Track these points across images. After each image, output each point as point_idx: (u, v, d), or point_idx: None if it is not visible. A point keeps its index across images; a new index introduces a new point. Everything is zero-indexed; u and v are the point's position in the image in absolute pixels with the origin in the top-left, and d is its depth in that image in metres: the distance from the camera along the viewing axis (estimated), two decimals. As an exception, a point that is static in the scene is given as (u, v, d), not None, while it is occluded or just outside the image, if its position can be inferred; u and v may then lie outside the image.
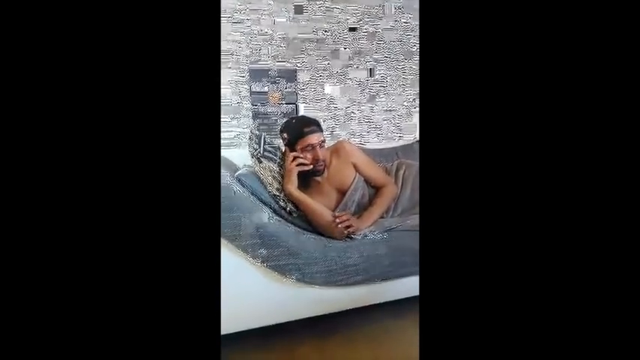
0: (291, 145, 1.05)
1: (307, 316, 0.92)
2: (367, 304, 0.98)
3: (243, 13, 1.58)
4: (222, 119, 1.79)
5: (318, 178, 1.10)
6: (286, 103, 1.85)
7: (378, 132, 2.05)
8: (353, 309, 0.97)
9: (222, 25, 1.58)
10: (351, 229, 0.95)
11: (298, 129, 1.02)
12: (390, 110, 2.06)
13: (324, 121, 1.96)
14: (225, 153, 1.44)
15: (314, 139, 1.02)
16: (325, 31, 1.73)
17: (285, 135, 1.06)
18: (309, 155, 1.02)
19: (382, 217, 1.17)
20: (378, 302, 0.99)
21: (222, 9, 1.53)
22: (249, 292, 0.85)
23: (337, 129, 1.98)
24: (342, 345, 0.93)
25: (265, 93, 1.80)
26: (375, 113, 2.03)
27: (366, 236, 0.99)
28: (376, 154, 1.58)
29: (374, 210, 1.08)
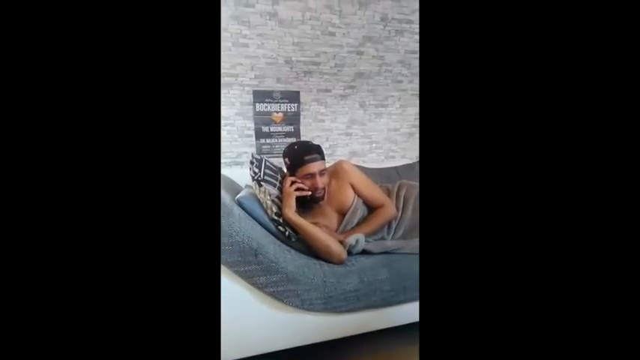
0: (291, 171, 1.06)
1: (307, 343, 0.90)
2: (369, 331, 0.96)
3: (248, 37, 1.63)
4: (225, 139, 1.82)
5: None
6: (289, 124, 1.88)
7: (379, 152, 2.07)
8: (354, 335, 0.95)
9: (228, 48, 1.63)
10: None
11: (299, 156, 1.03)
12: (392, 130, 2.08)
13: (326, 139, 1.98)
14: (227, 172, 1.45)
15: (314, 167, 1.02)
16: (327, 53, 1.78)
17: (287, 160, 1.07)
18: (308, 182, 1.03)
19: (383, 238, 1.16)
20: (379, 328, 0.97)
21: (228, 33, 1.59)
22: (248, 319, 0.84)
23: (339, 149, 1.99)
24: (342, 373, 0.91)
25: (269, 113, 1.83)
26: (377, 133, 2.05)
27: (366, 259, 0.98)
28: (376, 174, 1.59)
29: (362, 228, 1.09)
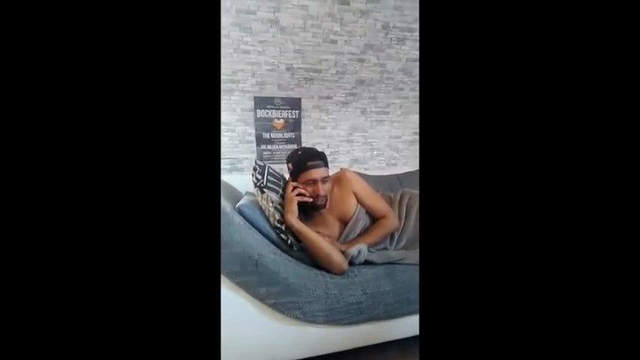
0: (294, 176, 1.05)
1: (309, 356, 0.88)
2: (372, 343, 0.94)
3: (250, 44, 1.63)
4: (226, 145, 1.81)
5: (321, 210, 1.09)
6: (290, 130, 1.87)
7: (381, 159, 2.06)
8: (357, 348, 0.92)
9: (229, 55, 1.63)
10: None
11: (302, 162, 1.02)
12: (393, 137, 2.08)
13: (327, 146, 1.98)
14: (228, 178, 1.44)
15: (316, 174, 1.01)
16: (328, 60, 1.78)
17: (290, 165, 1.06)
18: (309, 189, 1.01)
19: (385, 249, 1.14)
20: (383, 341, 0.95)
21: (229, 40, 1.59)
22: (248, 331, 0.81)
23: (340, 156, 1.99)
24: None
25: (270, 120, 1.83)
26: (378, 140, 2.05)
27: (369, 269, 0.96)
28: (378, 182, 1.58)
29: (364, 238, 1.06)
